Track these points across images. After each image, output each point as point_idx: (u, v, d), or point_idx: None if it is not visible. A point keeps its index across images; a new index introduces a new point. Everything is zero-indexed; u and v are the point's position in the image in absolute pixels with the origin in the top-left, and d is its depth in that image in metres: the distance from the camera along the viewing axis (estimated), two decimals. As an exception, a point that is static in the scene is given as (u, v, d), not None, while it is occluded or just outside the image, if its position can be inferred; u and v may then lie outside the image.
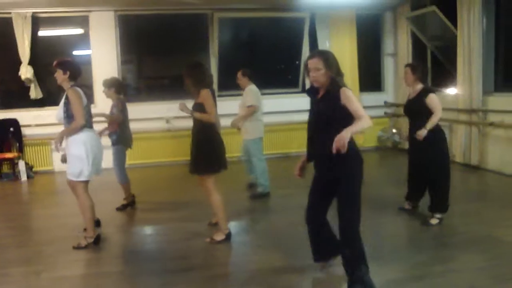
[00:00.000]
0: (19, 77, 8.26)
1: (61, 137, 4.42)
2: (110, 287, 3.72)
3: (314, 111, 3.44)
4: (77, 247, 4.52)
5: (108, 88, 5.90)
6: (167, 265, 4.09)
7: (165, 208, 6.02)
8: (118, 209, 5.87)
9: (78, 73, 4.59)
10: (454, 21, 7.77)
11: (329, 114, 3.29)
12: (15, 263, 4.27)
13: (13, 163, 8.17)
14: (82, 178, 4.49)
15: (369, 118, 3.26)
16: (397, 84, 9.94)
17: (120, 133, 5.77)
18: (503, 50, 7.45)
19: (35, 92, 8.41)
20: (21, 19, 8.16)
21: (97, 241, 4.61)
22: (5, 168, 8.30)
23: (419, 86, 4.98)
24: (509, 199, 5.87)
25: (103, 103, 8.63)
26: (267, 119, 9.29)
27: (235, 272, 4.00)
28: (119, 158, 5.84)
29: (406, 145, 9.42)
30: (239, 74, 6.56)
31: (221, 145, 4.64)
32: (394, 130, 9.77)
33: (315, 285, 3.75)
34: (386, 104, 10.12)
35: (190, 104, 4.70)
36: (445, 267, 3.84)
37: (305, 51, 9.61)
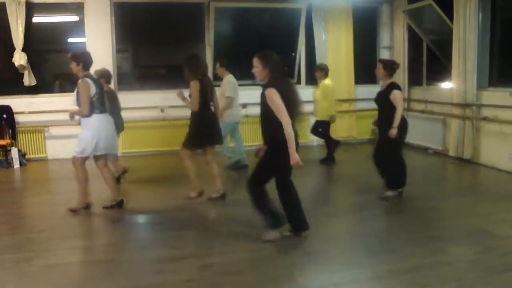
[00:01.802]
0: (13, 63, 8.18)
1: (71, 115, 5.18)
2: (101, 275, 3.72)
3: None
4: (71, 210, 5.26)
5: (99, 78, 6.01)
6: (159, 253, 4.10)
7: (159, 197, 6.01)
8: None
9: (90, 63, 5.19)
10: (450, 15, 7.77)
11: (262, 107, 3.98)
12: (6, 250, 4.25)
13: (6, 150, 8.13)
14: (83, 155, 5.13)
15: (287, 121, 3.83)
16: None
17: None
18: (499, 45, 7.46)
19: (28, 79, 8.35)
20: (15, 5, 8.06)
21: (88, 207, 5.35)
22: (-2, 155, 8.26)
23: (388, 81, 5.48)
24: (501, 193, 5.91)
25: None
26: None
27: (228, 261, 4.00)
28: None
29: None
30: (217, 65, 7.18)
31: (204, 129, 5.42)
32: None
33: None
34: (381, 97, 10.12)
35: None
36: (435, 259, 3.87)
37: (302, 42, 9.59)
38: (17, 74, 8.34)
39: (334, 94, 7.85)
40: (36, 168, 8.01)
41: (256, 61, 4.00)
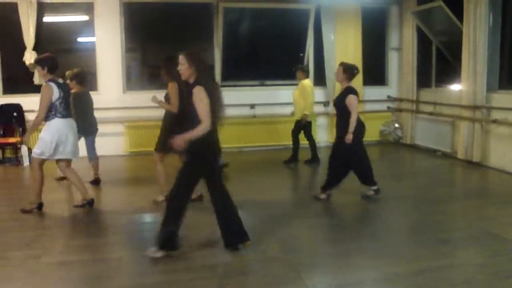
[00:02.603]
0: (23, 62, 8.26)
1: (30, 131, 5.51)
2: (109, 273, 3.74)
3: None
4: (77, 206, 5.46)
5: (70, 80, 6.38)
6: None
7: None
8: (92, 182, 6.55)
9: (56, 68, 5.21)
10: (460, 16, 7.72)
11: (186, 106, 3.93)
12: (15, 247, 4.29)
13: (15, 148, 8.18)
14: (41, 157, 5.22)
15: (208, 125, 3.79)
16: (401, 78, 9.91)
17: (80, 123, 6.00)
18: (509, 47, 7.42)
19: (38, 78, 8.39)
20: (26, 5, 8.13)
21: (41, 207, 5.36)
22: (8, 153, 8.32)
23: (346, 85, 5.53)
24: (510, 196, 5.88)
25: (107, 90, 8.69)
26: (270, 110, 9.34)
27: (233, 261, 4.01)
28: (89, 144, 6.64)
29: (408, 140, 9.48)
30: None
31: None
32: (396, 125, 9.76)
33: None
34: (390, 99, 10.09)
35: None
36: (443, 262, 3.85)
37: (310, 43, 9.58)
38: (28, 73, 8.40)
39: (313, 95, 7.83)
40: (45, 166, 7.99)
41: (182, 59, 3.93)
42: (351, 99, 5.36)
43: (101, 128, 6.94)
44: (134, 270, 3.80)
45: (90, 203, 5.44)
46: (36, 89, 8.43)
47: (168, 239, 3.91)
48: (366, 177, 5.67)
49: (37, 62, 5.25)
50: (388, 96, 10.11)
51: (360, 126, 5.52)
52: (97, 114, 6.88)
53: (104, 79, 8.80)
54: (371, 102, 9.86)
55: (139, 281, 3.58)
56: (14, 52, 8.43)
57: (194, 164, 3.97)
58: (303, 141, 7.93)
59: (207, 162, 3.98)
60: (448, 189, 6.47)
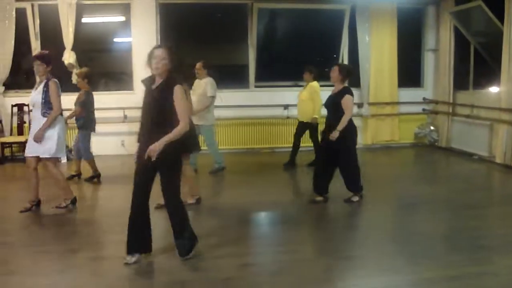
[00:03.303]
0: (62, 62, 8.48)
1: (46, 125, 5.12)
2: (141, 270, 3.79)
3: (148, 100, 3.76)
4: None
5: (83, 78, 6.69)
6: (198, 251, 4.13)
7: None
8: (86, 180, 6.80)
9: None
10: (500, 16, 7.51)
11: (162, 103, 3.66)
12: (53, 241, 4.43)
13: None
14: (56, 156, 5.23)
15: (187, 125, 3.67)
16: (437, 80, 9.72)
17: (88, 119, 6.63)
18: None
19: (75, 78, 8.61)
20: (66, 6, 8.36)
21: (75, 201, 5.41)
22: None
23: (341, 86, 5.51)
24: (551, 203, 5.68)
25: (141, 90, 8.82)
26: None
27: (265, 262, 4.02)
28: (87, 140, 6.74)
29: (443, 143, 9.29)
30: (200, 65, 7.04)
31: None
32: (431, 127, 9.57)
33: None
34: (425, 101, 9.90)
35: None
36: (480, 269, 3.76)
37: (344, 44, 9.51)
38: (66, 72, 8.61)
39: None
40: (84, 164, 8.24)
41: (164, 53, 3.71)
42: (347, 100, 5.37)
43: (135, 128, 7.03)
44: (167, 267, 3.84)
45: (73, 202, 5.43)
46: (74, 88, 8.69)
47: (191, 245, 3.92)
48: (354, 182, 5.56)
49: (40, 58, 5.19)
50: (424, 98, 9.92)
51: (354, 132, 5.54)
52: (133, 114, 7.02)
53: (140, 79, 8.89)
54: (406, 104, 9.70)
55: (172, 278, 3.62)
56: (54, 52, 8.66)
57: (175, 167, 3.82)
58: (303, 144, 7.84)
59: (180, 160, 3.88)
60: (485, 194, 6.30)
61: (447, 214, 5.30)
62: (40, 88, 5.13)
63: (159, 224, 4.37)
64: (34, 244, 4.36)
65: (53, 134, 5.10)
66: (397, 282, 3.56)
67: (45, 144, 5.08)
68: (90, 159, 6.77)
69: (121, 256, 3.82)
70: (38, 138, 5.02)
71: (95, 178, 6.83)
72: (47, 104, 5.09)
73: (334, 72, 5.54)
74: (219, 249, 4.18)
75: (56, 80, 5.20)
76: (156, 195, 3.95)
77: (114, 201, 5.70)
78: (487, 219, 5.11)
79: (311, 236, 4.71)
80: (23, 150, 8.00)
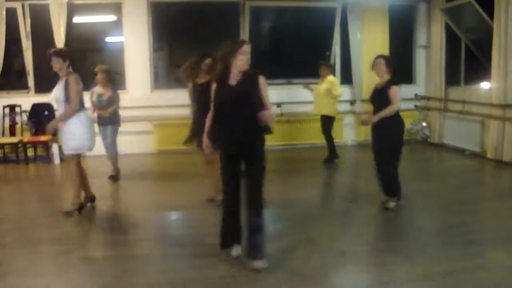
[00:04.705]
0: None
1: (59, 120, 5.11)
2: (137, 269, 3.81)
3: (231, 96, 3.69)
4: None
5: (102, 73, 6.81)
6: (193, 249, 4.15)
7: (191, 193, 6.04)
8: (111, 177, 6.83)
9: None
10: (490, 13, 7.57)
11: (251, 95, 3.67)
12: (48, 242, 4.42)
13: (47, 146, 8.38)
14: (79, 152, 5.17)
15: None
16: (428, 77, 9.77)
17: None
18: (541, 44, 7.23)
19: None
20: (57, 6, 8.31)
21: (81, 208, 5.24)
22: (39, 151, 8.50)
23: (387, 78, 5.20)
24: (542, 197, 5.74)
25: (135, 89, 8.82)
26: (296, 109, 9.32)
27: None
28: (116, 135, 6.89)
29: (436, 139, 9.34)
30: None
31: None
32: (424, 124, 9.62)
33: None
34: (417, 97, 9.96)
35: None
36: (472, 264, 3.80)
37: (336, 41, 9.53)
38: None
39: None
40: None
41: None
42: (395, 90, 5.08)
43: (129, 127, 7.09)
44: (163, 266, 3.86)
45: (79, 209, 5.22)
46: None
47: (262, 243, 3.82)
48: (390, 184, 5.25)
49: (58, 54, 5.07)
50: (416, 95, 9.97)
51: (402, 126, 5.24)
52: (125, 113, 7.02)
53: (132, 78, 8.92)
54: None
55: (168, 277, 3.64)
56: (45, 52, 8.62)
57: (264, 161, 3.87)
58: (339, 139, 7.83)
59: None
60: (477, 190, 6.36)
61: (440, 209, 5.35)
62: (61, 84, 5.04)
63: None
64: (28, 245, 4.35)
65: (74, 130, 5.00)
66: (390, 278, 3.59)
67: (67, 141, 5.05)
68: (115, 154, 6.87)
69: (119, 256, 3.83)
70: (49, 130, 5.14)
71: (114, 177, 6.86)
72: (68, 100, 4.99)
73: (380, 65, 5.23)
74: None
75: (76, 75, 5.06)
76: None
77: (109, 201, 5.70)
78: (480, 215, 5.16)
79: (305, 232, 4.72)
80: (15, 151, 8.09)
